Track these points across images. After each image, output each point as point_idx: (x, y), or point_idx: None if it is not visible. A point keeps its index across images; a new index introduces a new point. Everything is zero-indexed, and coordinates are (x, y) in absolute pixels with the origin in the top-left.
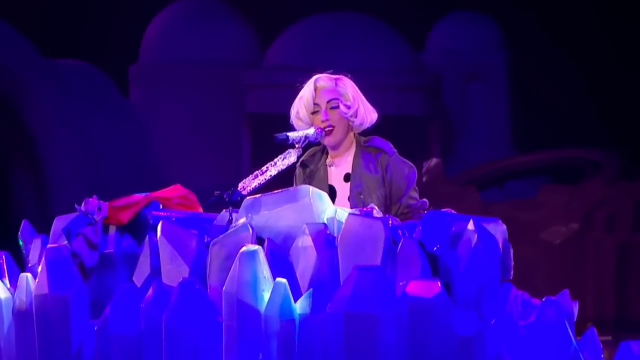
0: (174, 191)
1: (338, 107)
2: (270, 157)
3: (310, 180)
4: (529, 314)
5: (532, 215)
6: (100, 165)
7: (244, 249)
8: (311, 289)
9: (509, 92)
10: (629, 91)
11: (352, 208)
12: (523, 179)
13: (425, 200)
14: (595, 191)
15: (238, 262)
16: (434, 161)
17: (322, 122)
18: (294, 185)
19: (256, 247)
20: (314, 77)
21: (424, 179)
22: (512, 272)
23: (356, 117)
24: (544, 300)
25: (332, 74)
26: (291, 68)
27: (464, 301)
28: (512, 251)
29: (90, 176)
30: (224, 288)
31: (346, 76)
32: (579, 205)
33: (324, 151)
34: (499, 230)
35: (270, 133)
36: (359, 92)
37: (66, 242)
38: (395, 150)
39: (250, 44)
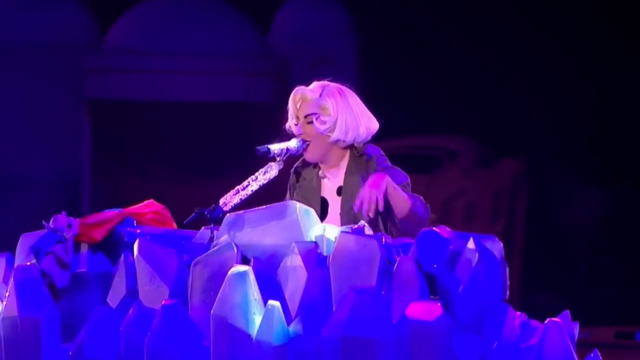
0: (147, 206)
1: (312, 122)
2: (112, 143)
3: (301, 189)
4: (529, 336)
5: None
6: None
7: (233, 269)
8: (304, 312)
9: (358, 78)
10: (484, 76)
11: (342, 223)
12: None
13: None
14: (453, 180)
15: (227, 284)
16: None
17: (297, 136)
18: (288, 192)
19: (246, 268)
20: (295, 89)
21: None
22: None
23: (332, 132)
24: (546, 321)
25: (331, 81)
26: (133, 52)
27: (464, 323)
28: (507, 269)
29: None
30: (212, 311)
31: (344, 85)
32: (436, 195)
33: None
34: (495, 247)
35: (111, 119)
36: (350, 104)
37: (34, 261)
38: (386, 157)
39: (88, 25)
